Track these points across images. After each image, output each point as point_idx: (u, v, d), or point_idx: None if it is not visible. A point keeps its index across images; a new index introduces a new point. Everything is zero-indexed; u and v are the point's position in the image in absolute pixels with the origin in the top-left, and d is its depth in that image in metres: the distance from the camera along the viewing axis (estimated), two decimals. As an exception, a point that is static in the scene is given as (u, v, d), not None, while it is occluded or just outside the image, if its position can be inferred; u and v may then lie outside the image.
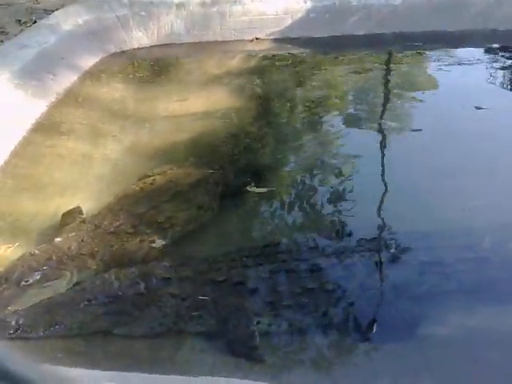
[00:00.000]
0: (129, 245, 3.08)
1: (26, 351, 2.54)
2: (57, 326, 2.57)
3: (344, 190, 3.66)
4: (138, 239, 3.12)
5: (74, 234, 3.06)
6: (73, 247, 2.98)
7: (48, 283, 2.78)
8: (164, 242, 3.16)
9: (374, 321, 2.63)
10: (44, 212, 3.45)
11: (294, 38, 6.46)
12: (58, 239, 3.01)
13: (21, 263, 2.81)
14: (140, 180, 3.61)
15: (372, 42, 6.44)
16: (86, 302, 2.64)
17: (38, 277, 2.78)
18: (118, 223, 3.15)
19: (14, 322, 2.55)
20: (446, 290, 2.72)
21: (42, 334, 2.54)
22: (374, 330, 2.58)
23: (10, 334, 2.52)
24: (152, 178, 3.61)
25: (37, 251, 2.90)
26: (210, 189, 3.56)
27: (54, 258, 2.87)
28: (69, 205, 3.51)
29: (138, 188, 3.48)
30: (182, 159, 3.98)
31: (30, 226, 3.29)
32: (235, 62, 6.10)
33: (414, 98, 5.11)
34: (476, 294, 2.71)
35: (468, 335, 2.54)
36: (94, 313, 2.61)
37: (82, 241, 3.02)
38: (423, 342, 2.51)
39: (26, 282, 2.74)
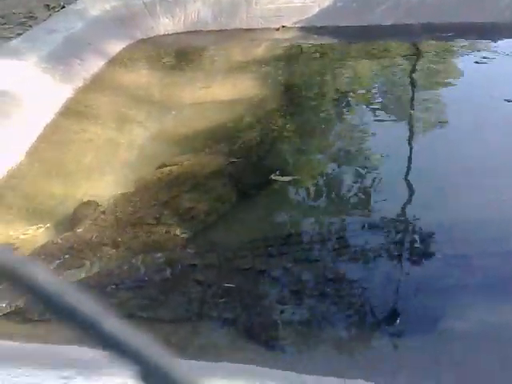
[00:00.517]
0: (153, 234, 3.09)
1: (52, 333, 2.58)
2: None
3: (370, 181, 3.63)
4: (162, 229, 3.13)
5: (95, 224, 3.07)
6: (94, 237, 2.99)
7: (68, 271, 2.80)
8: (187, 233, 3.17)
9: (396, 313, 2.62)
10: (70, 196, 3.49)
11: (320, 27, 6.40)
12: (79, 229, 3.03)
13: (43, 250, 2.84)
14: (158, 169, 3.63)
15: (400, 32, 6.36)
16: (113, 286, 2.68)
17: (58, 265, 2.80)
18: (139, 214, 3.16)
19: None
20: (471, 283, 2.69)
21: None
22: (397, 323, 2.57)
23: (39, 315, 2.56)
24: (169, 167, 3.62)
25: (59, 240, 2.92)
26: (227, 180, 3.55)
27: (75, 246, 2.89)
28: (95, 189, 3.55)
29: (155, 178, 3.49)
30: (204, 147, 3.99)
31: (56, 210, 3.33)
32: (261, 50, 6.08)
33: (442, 89, 5.04)
34: (502, 289, 2.68)
35: (493, 331, 2.52)
36: (120, 297, 2.65)
37: (104, 231, 3.03)
38: (446, 336, 2.49)
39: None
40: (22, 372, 1.86)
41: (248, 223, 3.29)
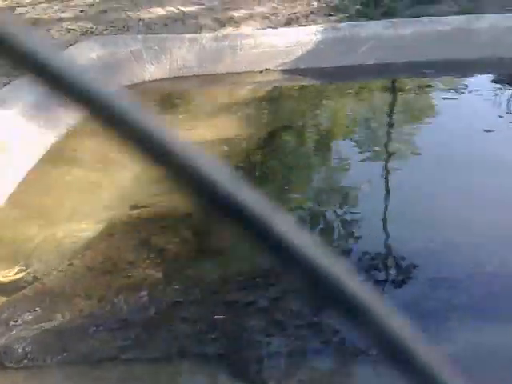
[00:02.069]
0: (129, 279, 3.05)
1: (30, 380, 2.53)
2: (65, 354, 2.55)
3: (351, 213, 3.65)
4: (137, 272, 3.09)
5: (65, 274, 3.02)
6: (67, 288, 2.94)
7: (37, 325, 2.73)
8: (164, 274, 3.13)
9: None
10: (49, 239, 3.47)
11: (303, 69, 6.53)
12: (50, 280, 2.97)
13: (13, 303, 2.79)
14: (130, 211, 3.63)
15: (381, 71, 6.49)
16: (95, 328, 2.63)
17: (29, 318, 2.74)
18: (111, 262, 3.12)
19: (20, 350, 2.54)
20: (456, 305, 2.66)
21: (50, 361, 2.52)
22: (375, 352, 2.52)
23: (17, 362, 2.51)
24: (140, 209, 3.62)
25: (29, 292, 2.87)
26: (196, 223, 3.53)
27: (47, 299, 2.84)
28: (75, 232, 3.54)
29: (125, 220, 3.48)
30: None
31: (33, 253, 3.30)
32: (244, 93, 6.18)
33: (419, 124, 5.12)
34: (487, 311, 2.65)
35: (477, 354, 2.47)
36: (102, 339, 2.60)
37: (76, 281, 2.98)
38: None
39: (15, 322, 2.70)
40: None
41: (230, 257, 3.27)
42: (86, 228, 3.54)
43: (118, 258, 3.10)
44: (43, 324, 2.71)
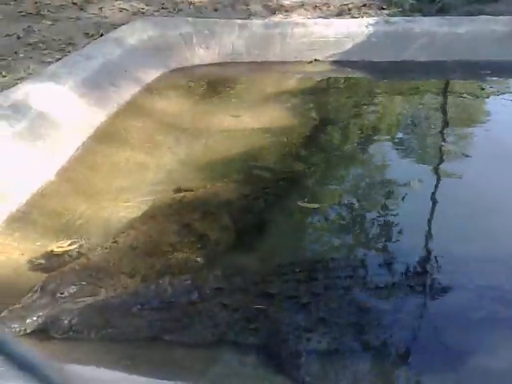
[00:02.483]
0: (170, 261, 3.08)
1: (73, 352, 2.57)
2: (109, 329, 2.60)
3: (395, 213, 3.60)
4: (179, 256, 3.11)
5: (110, 252, 3.06)
6: (112, 265, 2.99)
7: (83, 298, 2.79)
8: (204, 259, 3.14)
9: (423, 348, 2.54)
10: (97, 217, 3.53)
11: (353, 62, 6.45)
12: (95, 256, 3.02)
13: (60, 275, 2.85)
14: (173, 194, 3.66)
15: (432, 68, 6.35)
16: (139, 307, 2.67)
17: (74, 290, 2.80)
18: (153, 243, 3.15)
19: (66, 321, 2.59)
20: (504, 317, 2.60)
21: (93, 335, 2.57)
22: (424, 358, 2.50)
23: (63, 333, 2.56)
24: (183, 193, 3.64)
25: (76, 266, 2.93)
26: (235, 212, 3.53)
27: (92, 274, 2.89)
28: (121, 211, 3.59)
29: (168, 203, 3.50)
30: (226, 175, 4.00)
31: (81, 230, 3.36)
32: (292, 83, 6.14)
33: (471, 127, 5.00)
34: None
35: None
36: (145, 317, 2.64)
37: (120, 259, 3.03)
38: (477, 374, 2.40)
39: (62, 294, 2.76)
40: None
41: (272, 249, 3.27)
42: (131, 208, 3.59)
43: (159, 240, 3.14)
44: (88, 298, 2.77)
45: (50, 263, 3.05)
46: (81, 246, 3.18)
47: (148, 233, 3.20)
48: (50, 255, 3.10)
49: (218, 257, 3.18)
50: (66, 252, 3.12)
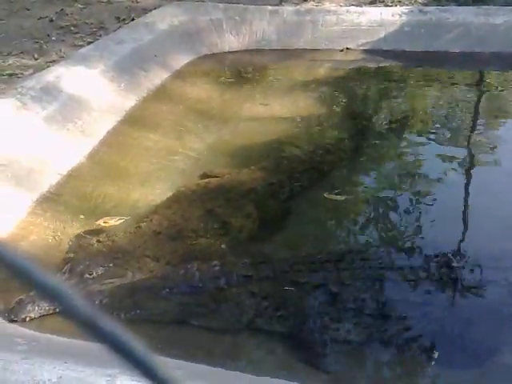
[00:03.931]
0: (194, 247, 3.08)
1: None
2: (137, 311, 2.62)
3: (426, 205, 3.54)
4: (202, 242, 3.11)
5: (137, 236, 3.08)
6: (138, 248, 3.00)
7: (110, 280, 2.81)
8: (229, 246, 3.14)
9: (454, 342, 2.50)
10: (125, 200, 3.55)
11: (385, 51, 6.34)
12: (121, 238, 3.05)
13: (88, 256, 2.88)
14: (199, 180, 3.65)
15: (466, 60, 6.22)
16: (168, 290, 2.69)
17: (102, 272, 2.82)
18: (177, 228, 3.15)
19: (97, 302, 2.62)
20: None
21: (123, 316, 2.59)
22: (454, 352, 2.46)
23: None
24: (208, 179, 3.63)
25: (103, 248, 2.95)
26: (259, 200, 3.51)
27: (119, 256, 2.91)
28: (149, 195, 3.60)
29: (192, 189, 3.50)
30: (253, 162, 3.97)
31: (109, 213, 3.38)
32: (322, 71, 6.07)
33: (504, 119, 4.89)
34: None
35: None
36: (173, 301, 2.66)
37: (145, 243, 3.04)
38: (502, 369, 2.35)
39: (90, 274, 2.79)
40: (67, 366, 1.87)
41: (297, 238, 3.25)
42: (157, 193, 3.60)
43: (183, 226, 3.14)
44: (116, 280, 2.79)
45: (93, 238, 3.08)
46: (108, 228, 3.21)
47: (172, 218, 3.21)
48: (95, 231, 3.14)
49: (241, 244, 3.17)
50: (112, 227, 3.16)
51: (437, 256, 2.92)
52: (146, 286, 2.76)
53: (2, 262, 0.44)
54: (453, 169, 4.00)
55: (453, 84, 5.68)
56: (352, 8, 6.98)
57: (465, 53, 6.27)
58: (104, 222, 3.23)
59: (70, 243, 3.06)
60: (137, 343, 0.43)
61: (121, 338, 0.43)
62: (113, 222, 3.25)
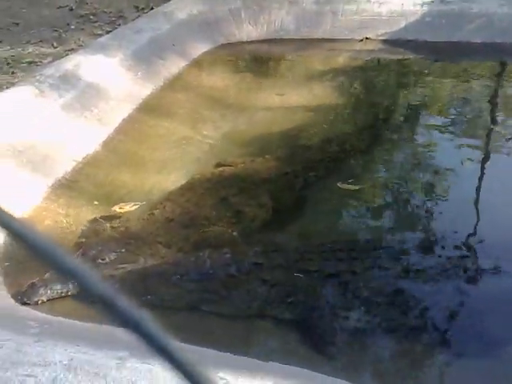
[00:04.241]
0: (206, 234, 3.08)
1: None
2: (149, 296, 2.64)
3: (440, 196, 3.50)
4: (214, 230, 3.11)
5: (149, 222, 3.08)
6: (150, 235, 3.01)
7: (122, 265, 2.83)
8: (241, 235, 3.12)
9: (466, 332, 2.47)
10: (140, 187, 3.57)
11: (405, 41, 6.26)
12: (134, 225, 3.06)
13: (100, 241, 2.89)
14: (213, 168, 3.65)
15: (488, 51, 6.10)
16: (179, 276, 2.70)
17: (115, 257, 2.83)
18: (190, 215, 3.15)
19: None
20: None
21: (134, 302, 2.59)
22: (465, 342, 2.42)
23: None
24: (222, 168, 3.62)
25: (115, 233, 2.97)
26: (273, 189, 3.49)
27: (131, 242, 2.93)
28: (164, 183, 3.61)
29: (207, 177, 3.50)
30: (268, 151, 3.96)
31: (123, 200, 3.40)
32: (341, 61, 6.01)
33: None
34: None
35: None
36: (184, 287, 2.66)
37: (157, 230, 3.04)
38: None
39: (103, 259, 2.80)
40: (78, 349, 1.89)
41: (310, 227, 3.23)
42: (172, 180, 3.61)
43: (195, 213, 3.14)
44: (128, 265, 2.81)
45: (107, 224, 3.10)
46: (121, 214, 3.22)
47: (185, 205, 3.22)
48: (109, 216, 3.16)
49: (254, 233, 3.17)
50: (127, 213, 3.18)
51: (450, 246, 2.89)
52: (157, 272, 2.77)
53: (24, 243, 0.44)
54: (469, 159, 3.94)
55: (473, 74, 5.59)
56: (373, -3, 6.90)
57: (487, 43, 6.16)
58: (119, 208, 3.26)
59: (84, 228, 3.08)
60: (155, 325, 0.43)
61: (139, 319, 0.44)
62: (128, 207, 3.27)
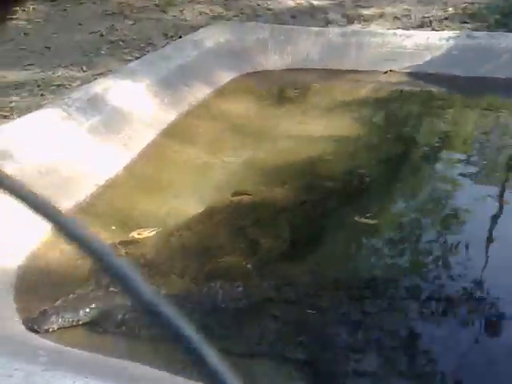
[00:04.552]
0: (220, 264, 3.09)
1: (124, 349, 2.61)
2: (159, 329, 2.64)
3: (458, 234, 3.47)
4: (229, 260, 3.12)
5: (164, 250, 3.11)
6: (164, 264, 3.03)
7: None
8: (255, 267, 3.12)
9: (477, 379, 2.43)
10: (155, 213, 3.61)
11: (430, 74, 6.27)
12: (148, 253, 3.09)
13: None
14: (230, 197, 3.68)
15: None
16: (189, 308, 2.69)
17: None
18: (205, 245, 3.17)
19: (120, 316, 2.64)
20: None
21: (144, 332, 2.60)
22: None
23: (115, 327, 2.61)
24: (240, 197, 3.65)
25: (131, 261, 2.99)
26: (290, 220, 3.49)
27: (145, 271, 2.94)
28: (182, 208, 3.65)
29: (223, 206, 3.52)
30: (286, 181, 3.98)
31: (142, 224, 3.45)
32: (364, 92, 6.05)
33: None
34: None
35: None
36: (195, 321, 2.66)
37: (172, 259, 3.07)
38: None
39: (116, 288, 2.82)
40: (87, 381, 1.89)
41: (325, 262, 3.22)
42: (189, 208, 3.64)
43: (211, 243, 3.17)
44: None
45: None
46: (158, 234, 3.26)
47: (201, 233, 3.24)
48: (127, 242, 3.20)
49: (269, 264, 3.16)
50: (145, 239, 3.23)
51: (468, 289, 2.85)
52: (172, 299, 2.78)
53: (74, 241, 0.45)
54: (489, 196, 3.90)
55: (496, 110, 5.57)
56: (399, 31, 6.95)
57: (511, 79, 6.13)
58: (138, 234, 3.30)
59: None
60: (196, 334, 0.44)
61: (179, 325, 0.44)
62: (146, 233, 3.31)
